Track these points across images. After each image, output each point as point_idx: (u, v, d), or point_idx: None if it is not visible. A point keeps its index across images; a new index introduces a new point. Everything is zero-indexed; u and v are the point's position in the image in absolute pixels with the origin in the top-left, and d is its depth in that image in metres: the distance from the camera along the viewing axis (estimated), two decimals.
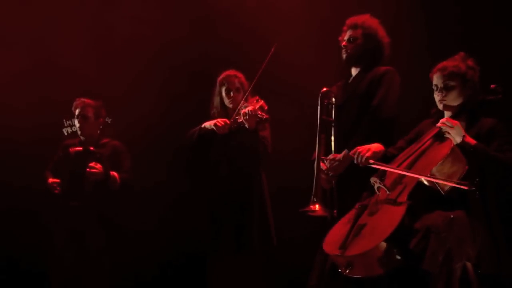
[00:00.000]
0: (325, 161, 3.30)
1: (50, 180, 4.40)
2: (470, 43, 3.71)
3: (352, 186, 3.24)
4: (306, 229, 3.68)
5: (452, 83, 2.99)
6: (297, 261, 3.99)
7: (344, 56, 3.51)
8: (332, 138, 3.35)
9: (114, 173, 4.35)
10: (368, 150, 3.08)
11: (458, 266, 2.67)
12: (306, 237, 3.82)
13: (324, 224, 3.18)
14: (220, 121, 3.95)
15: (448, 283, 2.62)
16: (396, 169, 2.93)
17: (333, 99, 3.42)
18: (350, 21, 3.51)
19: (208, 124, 4.01)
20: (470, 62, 3.03)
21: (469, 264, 2.74)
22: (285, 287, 4.36)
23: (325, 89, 3.42)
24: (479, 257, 2.74)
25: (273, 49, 3.88)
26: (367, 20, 3.47)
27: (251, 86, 3.99)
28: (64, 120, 5.08)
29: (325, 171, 3.28)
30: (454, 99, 3.01)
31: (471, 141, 2.82)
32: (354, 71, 3.54)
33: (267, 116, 3.79)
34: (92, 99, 4.53)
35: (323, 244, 2.94)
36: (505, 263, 2.82)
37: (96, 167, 4.25)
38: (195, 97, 4.77)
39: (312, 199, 3.10)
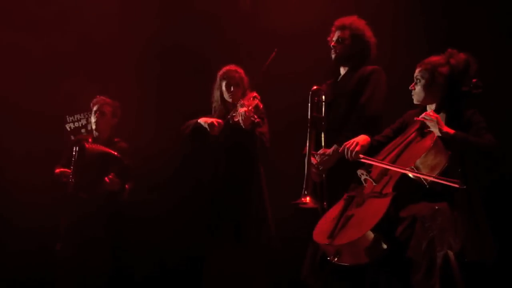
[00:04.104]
0: (315, 156, 3.39)
1: (58, 169, 4.44)
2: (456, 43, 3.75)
3: (341, 179, 3.32)
4: (299, 222, 3.71)
5: (422, 80, 3.09)
6: (290, 253, 4.03)
7: (333, 56, 3.60)
8: (322, 134, 3.45)
9: (126, 186, 4.43)
10: (356, 144, 3.11)
11: (440, 255, 2.75)
12: (298, 229, 3.84)
13: (315, 216, 3.25)
14: (216, 122, 3.97)
15: (429, 270, 2.71)
16: (384, 164, 2.98)
17: (323, 97, 3.51)
18: (338, 22, 3.60)
19: (203, 121, 4.03)
20: (452, 60, 3.08)
21: (451, 253, 2.81)
22: (279, 278, 4.38)
23: (315, 87, 3.51)
24: (463, 247, 2.81)
25: (274, 53, 3.91)
26: (355, 21, 3.56)
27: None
28: (66, 116, 5.19)
29: (316, 165, 3.38)
30: (419, 94, 3.11)
31: (449, 130, 2.89)
32: (342, 70, 3.64)
33: (259, 120, 3.83)
34: (110, 98, 4.61)
35: (313, 234, 3.01)
36: (488, 250, 2.89)
37: (116, 180, 4.34)
38: (194, 92, 4.81)
39: (303, 192, 3.19)
